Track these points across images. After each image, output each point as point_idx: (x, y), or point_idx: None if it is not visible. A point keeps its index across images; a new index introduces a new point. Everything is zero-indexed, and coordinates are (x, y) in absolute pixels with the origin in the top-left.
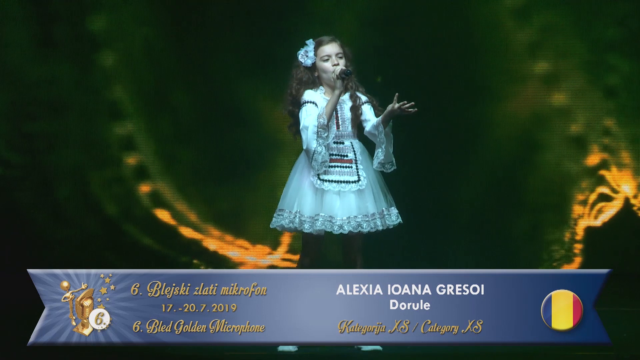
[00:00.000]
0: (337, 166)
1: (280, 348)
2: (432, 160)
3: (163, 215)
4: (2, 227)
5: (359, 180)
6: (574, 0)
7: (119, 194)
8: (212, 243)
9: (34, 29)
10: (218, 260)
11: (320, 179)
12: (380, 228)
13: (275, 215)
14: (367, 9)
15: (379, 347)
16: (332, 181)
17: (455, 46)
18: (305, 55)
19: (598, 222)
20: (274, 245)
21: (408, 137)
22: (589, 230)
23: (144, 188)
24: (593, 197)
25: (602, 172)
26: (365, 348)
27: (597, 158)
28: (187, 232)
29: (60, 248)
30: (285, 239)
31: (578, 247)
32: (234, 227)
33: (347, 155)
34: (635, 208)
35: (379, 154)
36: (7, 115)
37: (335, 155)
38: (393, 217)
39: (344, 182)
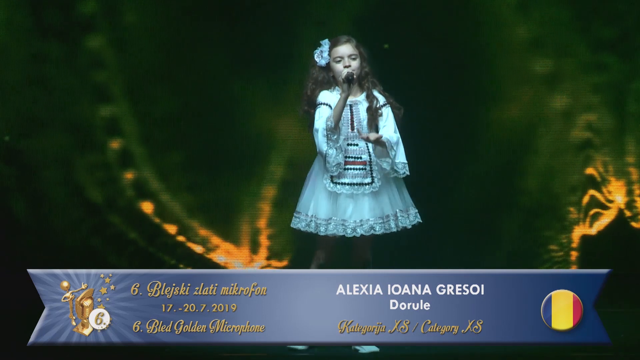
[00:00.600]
0: (351, 168)
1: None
2: (431, 161)
3: (147, 208)
4: (1, 227)
5: (372, 182)
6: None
7: (103, 181)
8: (196, 243)
9: (24, 10)
10: (202, 260)
11: (333, 182)
12: (394, 229)
13: (294, 216)
14: (362, 9)
15: (376, 348)
16: (345, 184)
17: (452, 48)
18: (320, 56)
19: (593, 230)
20: (254, 249)
21: (407, 138)
22: (584, 236)
23: (129, 175)
24: (588, 201)
25: (596, 176)
26: (362, 350)
27: (592, 162)
28: (171, 229)
29: (48, 241)
30: (264, 241)
31: (573, 252)
32: (220, 225)
33: (361, 157)
34: (627, 215)
35: (385, 165)
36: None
37: (350, 157)
38: (411, 217)
39: (357, 184)
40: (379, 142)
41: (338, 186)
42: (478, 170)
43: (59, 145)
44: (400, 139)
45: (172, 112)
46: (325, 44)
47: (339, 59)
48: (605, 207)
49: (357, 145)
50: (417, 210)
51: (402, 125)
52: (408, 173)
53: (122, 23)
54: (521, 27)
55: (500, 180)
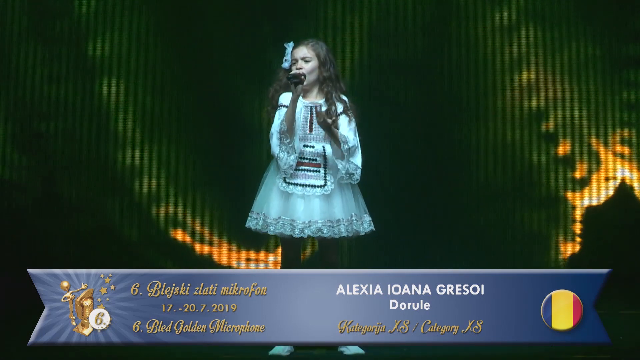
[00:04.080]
0: (305, 169)
1: (272, 351)
2: (427, 162)
3: (179, 235)
4: (3, 229)
5: (325, 185)
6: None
7: (134, 217)
8: (221, 256)
9: (41, 59)
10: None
11: (285, 182)
12: (345, 235)
13: (248, 215)
14: (374, 18)
15: (361, 351)
16: (297, 184)
17: (447, 60)
18: (285, 58)
19: (594, 225)
20: (272, 248)
21: (404, 140)
22: (584, 230)
23: (159, 212)
24: (587, 198)
25: (598, 175)
26: (347, 351)
27: (588, 162)
28: (200, 248)
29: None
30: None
31: (576, 248)
32: (243, 238)
33: (315, 160)
34: (627, 215)
35: (339, 172)
36: (15, 118)
37: (304, 158)
38: (365, 224)
39: (309, 186)
40: (332, 133)
41: (290, 186)
42: (476, 170)
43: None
44: (358, 146)
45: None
46: (289, 46)
47: (294, 61)
48: (605, 206)
49: (312, 147)
50: (371, 219)
51: (399, 129)
52: (358, 179)
53: (130, 63)
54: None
55: (499, 179)
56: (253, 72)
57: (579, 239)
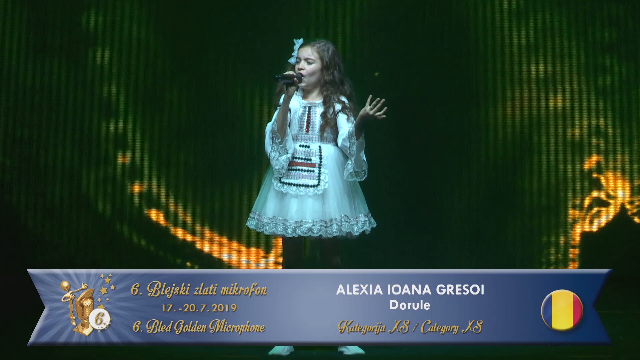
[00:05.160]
0: (299, 169)
1: (272, 351)
2: (428, 163)
3: (156, 215)
4: (2, 228)
5: (318, 185)
6: (570, 1)
7: (111, 194)
8: (205, 245)
9: (28, 29)
10: (211, 263)
11: (280, 182)
12: (338, 234)
13: (249, 216)
14: (363, 10)
15: (360, 350)
16: (291, 184)
17: (451, 48)
18: (292, 54)
19: (594, 227)
20: (267, 249)
21: (403, 139)
22: (585, 233)
23: (137, 188)
24: (589, 200)
25: (598, 175)
26: (347, 351)
27: (593, 161)
28: (180, 233)
29: (53, 249)
30: (278, 242)
31: (574, 251)
32: (228, 228)
33: (310, 159)
34: (630, 212)
35: (349, 165)
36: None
37: (300, 158)
38: (359, 224)
39: (302, 185)
40: (360, 129)
41: (285, 186)
42: (474, 173)
43: (67, 158)
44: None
45: (177, 120)
46: (298, 43)
47: (297, 60)
48: (607, 206)
49: (308, 147)
50: (367, 219)
51: (400, 128)
52: (367, 175)
53: (124, 37)
54: (517, 32)
55: (497, 182)
56: (241, 61)
57: (576, 242)
